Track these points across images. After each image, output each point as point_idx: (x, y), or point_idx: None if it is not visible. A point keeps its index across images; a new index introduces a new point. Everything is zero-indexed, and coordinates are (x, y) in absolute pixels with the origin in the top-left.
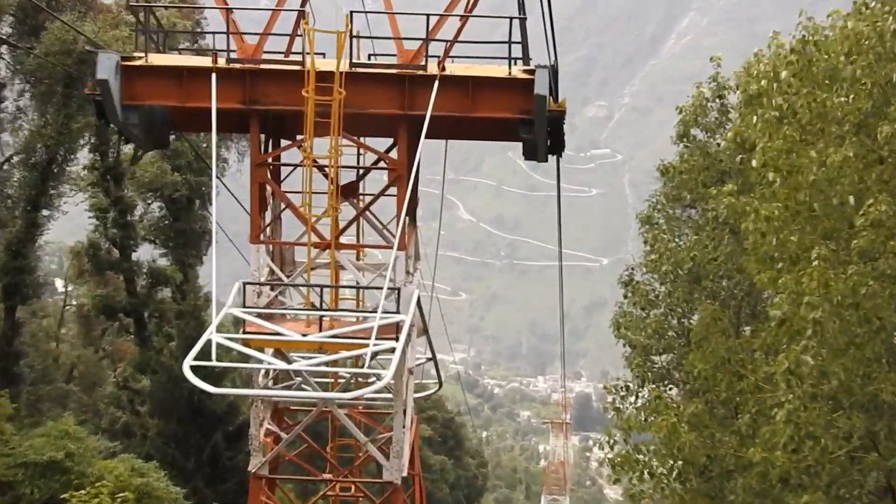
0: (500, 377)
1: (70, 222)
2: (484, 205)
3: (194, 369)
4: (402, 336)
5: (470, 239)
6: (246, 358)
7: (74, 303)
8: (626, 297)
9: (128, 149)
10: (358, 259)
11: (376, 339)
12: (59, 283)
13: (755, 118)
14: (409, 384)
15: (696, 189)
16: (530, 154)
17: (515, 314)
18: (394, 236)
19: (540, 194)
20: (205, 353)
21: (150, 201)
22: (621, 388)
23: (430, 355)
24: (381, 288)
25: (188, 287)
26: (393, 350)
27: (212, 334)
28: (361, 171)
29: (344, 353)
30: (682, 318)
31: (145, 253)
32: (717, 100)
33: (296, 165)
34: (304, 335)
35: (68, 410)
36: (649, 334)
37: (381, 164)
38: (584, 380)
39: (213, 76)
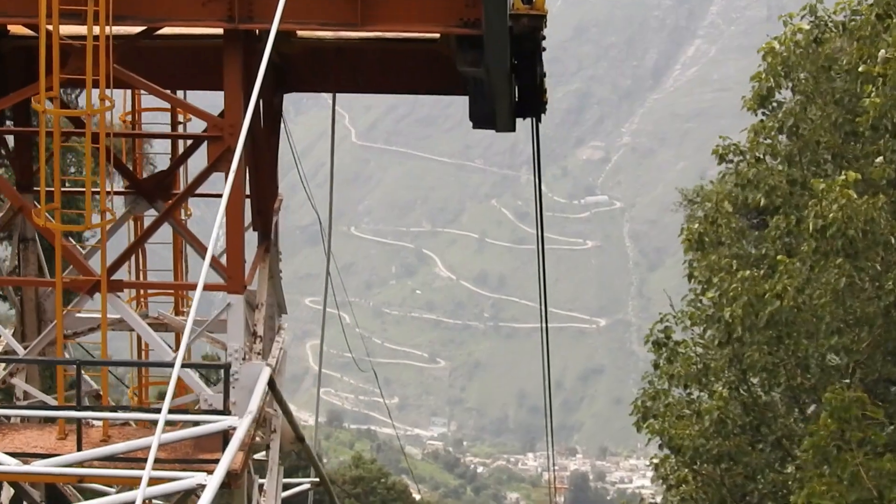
0: (484, 454)
1: None
2: (465, 260)
3: None
4: (225, 458)
5: (449, 298)
6: None
7: None
8: (657, 366)
9: None
10: (180, 307)
11: (177, 464)
12: None
13: None
14: None
15: (779, 187)
16: (482, 116)
17: (501, 383)
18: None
19: (528, 247)
20: None
21: None
22: None
23: (316, 479)
24: (194, 365)
25: None
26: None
27: None
28: (178, 153)
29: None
30: (754, 400)
31: None
32: (815, 45)
33: (20, 131)
34: (49, 455)
35: None
36: (704, 429)
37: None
38: (579, 457)
39: None
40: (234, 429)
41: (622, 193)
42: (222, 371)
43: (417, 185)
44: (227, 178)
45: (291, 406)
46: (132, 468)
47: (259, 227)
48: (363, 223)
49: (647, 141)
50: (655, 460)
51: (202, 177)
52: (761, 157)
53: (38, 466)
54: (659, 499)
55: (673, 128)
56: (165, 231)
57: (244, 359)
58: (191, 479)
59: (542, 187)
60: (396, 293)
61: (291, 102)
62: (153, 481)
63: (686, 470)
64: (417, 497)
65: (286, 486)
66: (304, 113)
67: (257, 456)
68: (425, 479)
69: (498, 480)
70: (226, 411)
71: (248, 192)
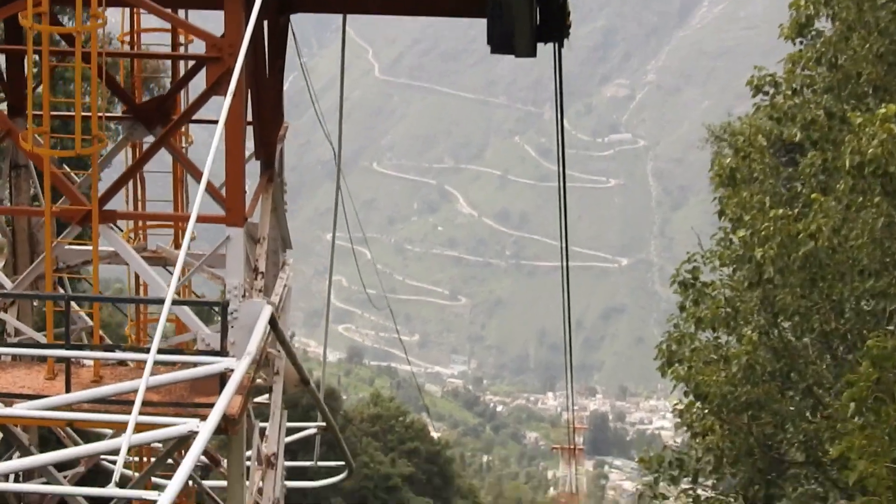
0: (504, 393)
1: None
2: (487, 197)
3: None
4: (220, 403)
5: (471, 236)
6: None
7: None
8: (684, 308)
9: None
10: (179, 240)
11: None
12: None
13: None
14: (270, 485)
15: (816, 121)
16: (501, 39)
17: (522, 321)
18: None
19: (550, 185)
20: None
21: None
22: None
23: (322, 423)
24: (188, 303)
25: None
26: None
27: None
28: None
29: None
30: (785, 345)
31: None
32: None
33: (8, 49)
34: (34, 397)
35: None
36: (731, 375)
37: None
38: (599, 396)
39: None
40: (232, 371)
41: (646, 132)
42: (222, 309)
43: (440, 120)
44: (231, 107)
45: (310, 341)
46: (124, 411)
47: (262, 155)
48: (385, 158)
49: (673, 79)
50: (680, 406)
51: (201, 100)
52: (798, 88)
53: (19, 409)
54: (679, 440)
55: (699, 66)
56: (167, 160)
57: (244, 296)
58: (183, 425)
59: (566, 125)
60: (418, 229)
61: (314, 35)
62: (142, 427)
63: (712, 418)
64: (436, 435)
65: (291, 431)
66: (326, 46)
67: (260, 399)
68: (444, 417)
69: (517, 419)
70: (223, 352)
71: (250, 118)
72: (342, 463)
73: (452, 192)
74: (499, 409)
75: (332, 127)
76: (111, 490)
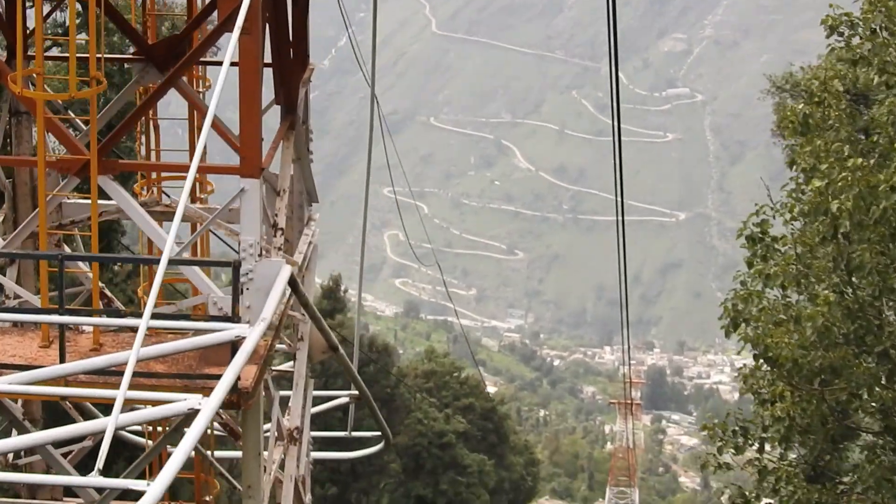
0: (561, 347)
1: None
2: (544, 151)
3: None
4: (227, 376)
5: (528, 190)
6: None
7: None
8: (751, 264)
9: None
10: (196, 193)
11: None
12: None
13: None
14: (293, 463)
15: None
16: None
17: (579, 276)
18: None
19: (607, 139)
20: None
21: None
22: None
23: (355, 392)
24: (193, 262)
25: None
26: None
27: None
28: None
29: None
30: (860, 306)
31: None
32: None
33: None
34: (28, 367)
35: None
36: (805, 338)
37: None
38: (657, 351)
39: None
40: (243, 339)
41: (704, 86)
42: (235, 269)
43: (497, 75)
44: (243, 49)
45: (367, 295)
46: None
47: (283, 99)
48: (442, 113)
49: (731, 33)
50: (745, 371)
51: (212, 37)
52: (877, 29)
53: (2, 383)
54: (736, 395)
55: (757, 20)
56: (183, 107)
57: (260, 255)
58: (182, 402)
59: (623, 79)
60: (475, 184)
61: None
62: (133, 402)
63: (782, 384)
64: (492, 390)
65: (321, 400)
66: (385, 1)
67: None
68: (501, 372)
69: (574, 374)
70: (234, 317)
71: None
72: (378, 433)
73: (510, 146)
74: (556, 363)
75: (388, 81)
76: (91, 479)
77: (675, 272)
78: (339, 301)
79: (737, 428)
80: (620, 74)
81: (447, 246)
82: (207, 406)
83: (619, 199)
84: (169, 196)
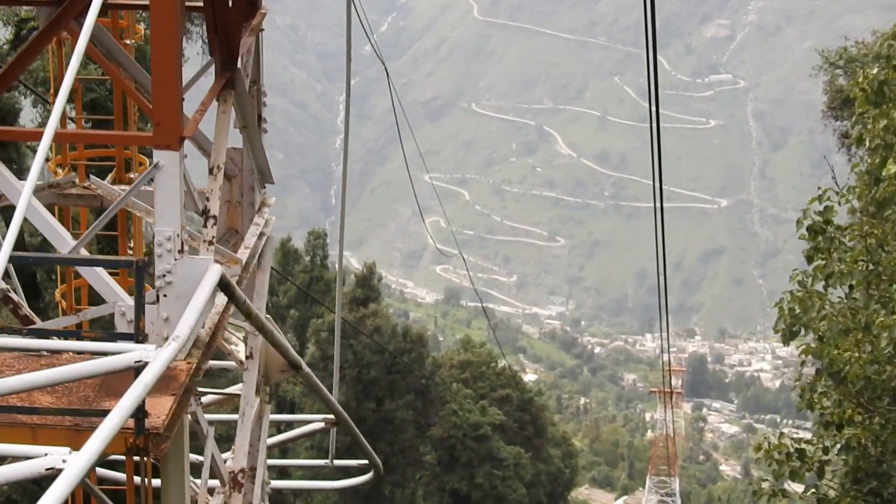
0: (601, 335)
1: None
2: (586, 138)
3: None
4: (112, 416)
5: (569, 177)
6: None
7: None
8: (811, 259)
9: None
10: (122, 172)
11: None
12: None
13: None
14: None
15: None
16: None
17: (621, 263)
18: None
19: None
20: None
21: None
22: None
23: (331, 416)
24: (89, 262)
25: None
26: None
27: None
28: None
29: None
30: None
31: None
32: None
33: None
34: None
35: None
36: (879, 351)
37: None
38: (697, 338)
39: None
40: (145, 364)
41: (746, 72)
42: (136, 268)
43: (539, 61)
44: None
45: (408, 282)
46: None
47: (218, 50)
48: (484, 99)
49: (774, 19)
50: (802, 382)
51: None
52: None
53: None
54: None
55: (800, 5)
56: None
57: (182, 251)
58: (41, 458)
59: (665, 65)
60: (516, 170)
61: None
62: None
63: (852, 406)
64: (533, 377)
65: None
66: None
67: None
68: (541, 359)
69: (615, 361)
70: (138, 335)
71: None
72: (366, 462)
73: (551, 132)
74: (596, 350)
75: (430, 67)
76: None
77: (717, 259)
78: (372, 289)
79: (792, 451)
80: (662, 60)
81: (488, 232)
82: (72, 466)
83: (657, 185)
84: (95, 177)
